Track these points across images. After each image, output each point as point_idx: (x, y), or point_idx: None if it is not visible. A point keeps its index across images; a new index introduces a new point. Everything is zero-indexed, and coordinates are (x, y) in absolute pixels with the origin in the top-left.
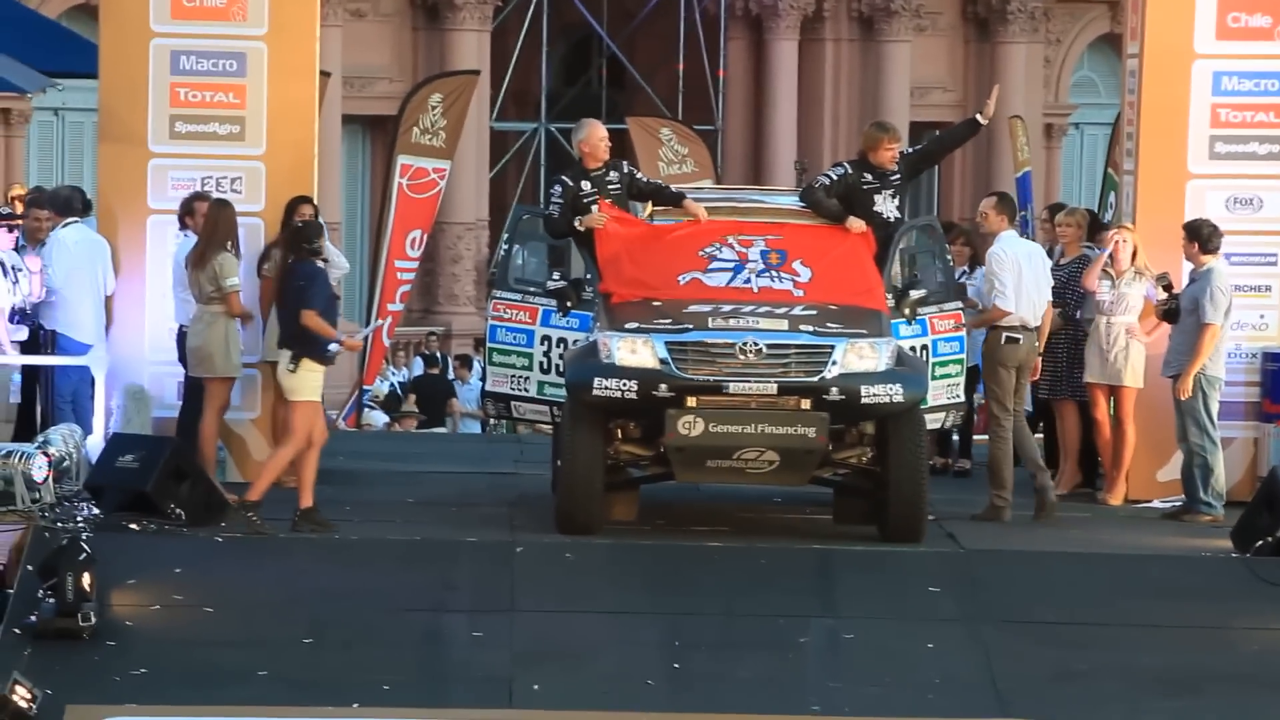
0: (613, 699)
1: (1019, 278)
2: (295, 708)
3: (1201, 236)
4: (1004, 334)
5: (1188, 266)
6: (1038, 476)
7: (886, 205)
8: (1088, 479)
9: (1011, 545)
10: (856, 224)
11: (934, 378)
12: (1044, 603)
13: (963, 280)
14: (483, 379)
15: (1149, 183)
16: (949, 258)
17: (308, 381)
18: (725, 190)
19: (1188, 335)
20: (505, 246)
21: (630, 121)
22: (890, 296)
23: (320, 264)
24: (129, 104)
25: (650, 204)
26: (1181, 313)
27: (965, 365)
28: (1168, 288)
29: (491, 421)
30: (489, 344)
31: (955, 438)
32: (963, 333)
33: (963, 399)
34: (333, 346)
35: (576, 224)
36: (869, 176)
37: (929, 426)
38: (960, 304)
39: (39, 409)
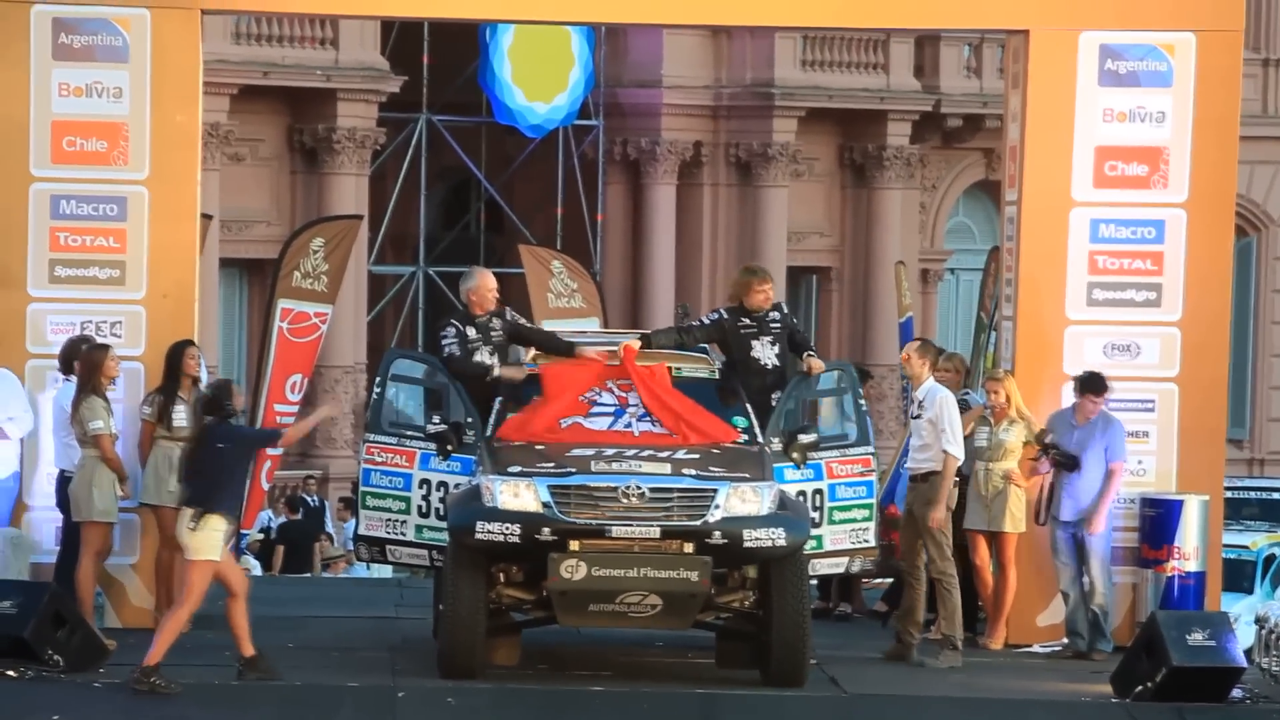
0: None
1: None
2: None
3: (1095, 386)
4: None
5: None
6: (909, 629)
7: (765, 352)
8: (968, 623)
9: (894, 690)
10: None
11: (833, 522)
12: None
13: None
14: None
15: (1028, 328)
16: (862, 403)
17: (210, 540)
18: (607, 333)
19: (1091, 480)
20: (379, 390)
21: (523, 250)
22: (778, 441)
23: (234, 423)
24: (8, 247)
25: (532, 350)
26: (1085, 456)
27: (875, 509)
28: (1049, 445)
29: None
30: (363, 487)
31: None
32: (872, 477)
33: (871, 543)
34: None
35: (497, 373)
36: (746, 320)
37: (831, 571)
38: (871, 449)
39: None
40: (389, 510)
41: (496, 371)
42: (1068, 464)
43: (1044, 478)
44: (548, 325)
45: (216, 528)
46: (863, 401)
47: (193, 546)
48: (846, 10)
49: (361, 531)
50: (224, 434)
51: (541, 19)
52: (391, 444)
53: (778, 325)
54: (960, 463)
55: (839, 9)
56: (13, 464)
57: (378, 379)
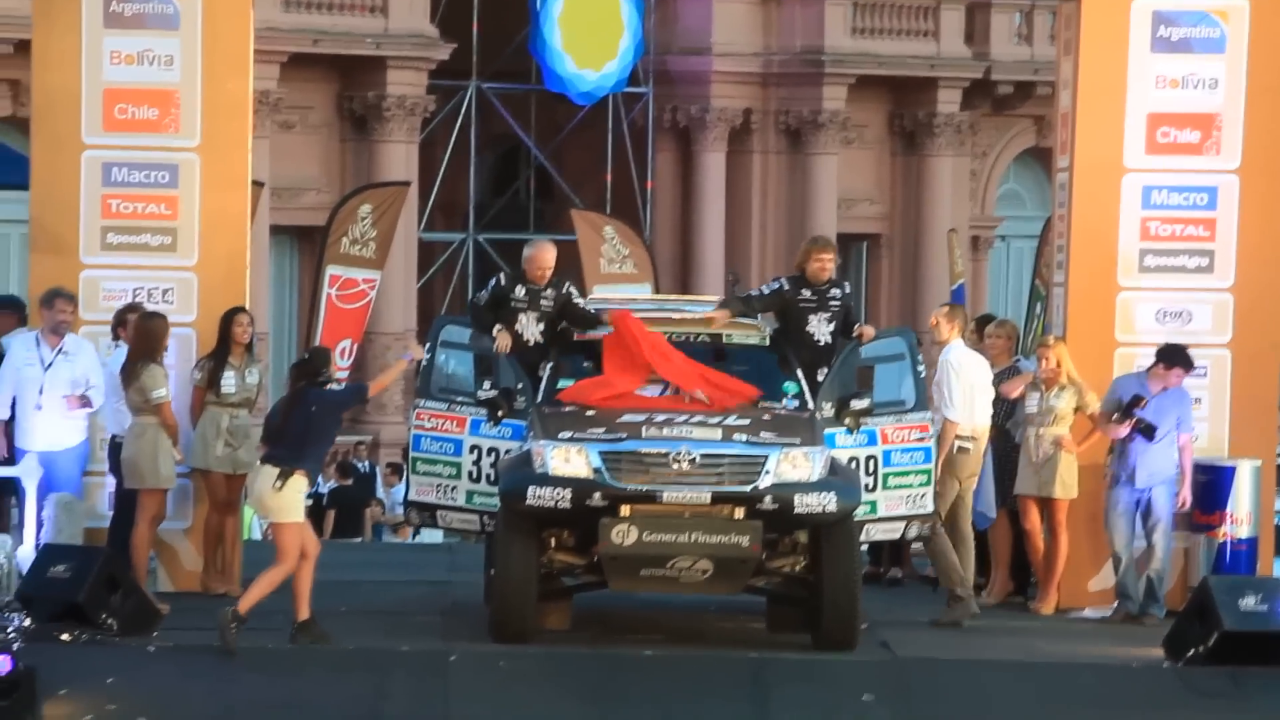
0: None
1: (971, 388)
2: None
3: (1183, 361)
4: (956, 444)
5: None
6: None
7: (820, 328)
8: (1019, 588)
9: (945, 654)
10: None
11: (888, 487)
12: (977, 711)
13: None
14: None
15: (1079, 295)
16: (920, 369)
17: (294, 500)
18: (658, 300)
19: (1165, 448)
20: (428, 355)
21: (575, 215)
22: (830, 406)
23: (331, 389)
24: (60, 215)
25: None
26: (1156, 428)
27: (933, 474)
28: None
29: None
30: (413, 453)
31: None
32: (930, 443)
33: (930, 509)
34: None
35: (494, 333)
36: (806, 293)
37: (887, 536)
38: (929, 415)
39: None
40: (439, 475)
41: (494, 332)
42: (1147, 432)
43: (1116, 441)
44: (600, 290)
45: (299, 488)
46: (921, 368)
47: (276, 508)
48: None
49: (412, 497)
50: (316, 398)
51: None
52: (442, 409)
53: (837, 303)
54: (958, 426)
55: None
56: (84, 431)
57: (427, 344)
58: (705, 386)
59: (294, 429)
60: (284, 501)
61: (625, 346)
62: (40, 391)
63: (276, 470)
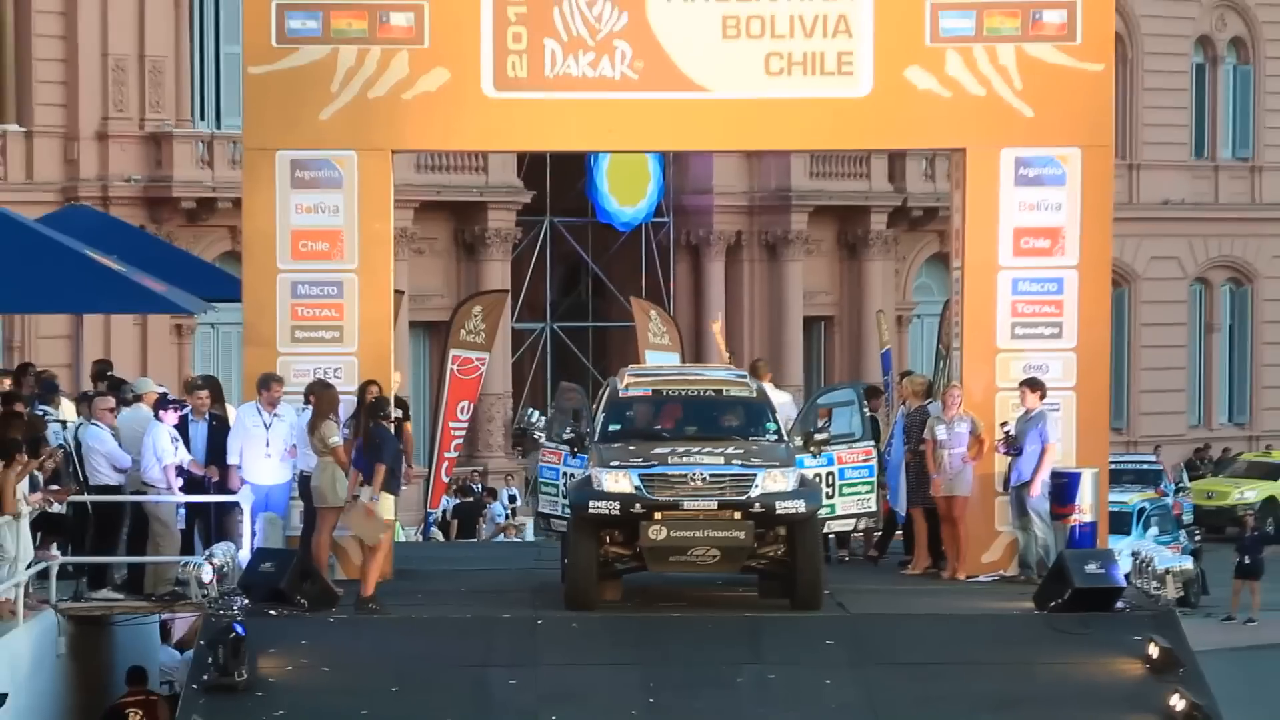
0: None
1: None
2: None
3: (1038, 386)
4: None
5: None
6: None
7: None
8: (934, 562)
9: (885, 609)
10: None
11: (843, 494)
12: (908, 649)
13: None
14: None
15: (971, 355)
16: (865, 411)
17: (386, 507)
18: (681, 366)
19: (1030, 456)
20: (553, 411)
21: (634, 301)
22: (799, 439)
23: (389, 426)
24: (264, 319)
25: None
26: (1025, 441)
27: (875, 485)
28: (1007, 434)
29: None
30: (539, 479)
31: (877, 534)
32: (872, 463)
33: (873, 508)
34: (363, 494)
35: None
36: None
37: (843, 528)
38: (872, 443)
39: (198, 533)
40: (552, 494)
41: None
42: (1013, 448)
43: (1003, 456)
44: (650, 356)
45: (387, 498)
46: (866, 410)
47: (378, 512)
48: (838, 136)
49: (540, 509)
50: (379, 434)
51: (628, 149)
52: (554, 448)
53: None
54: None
55: (833, 135)
56: (291, 472)
57: (551, 405)
58: None
59: (369, 457)
60: (379, 508)
61: None
62: (266, 445)
63: (369, 489)
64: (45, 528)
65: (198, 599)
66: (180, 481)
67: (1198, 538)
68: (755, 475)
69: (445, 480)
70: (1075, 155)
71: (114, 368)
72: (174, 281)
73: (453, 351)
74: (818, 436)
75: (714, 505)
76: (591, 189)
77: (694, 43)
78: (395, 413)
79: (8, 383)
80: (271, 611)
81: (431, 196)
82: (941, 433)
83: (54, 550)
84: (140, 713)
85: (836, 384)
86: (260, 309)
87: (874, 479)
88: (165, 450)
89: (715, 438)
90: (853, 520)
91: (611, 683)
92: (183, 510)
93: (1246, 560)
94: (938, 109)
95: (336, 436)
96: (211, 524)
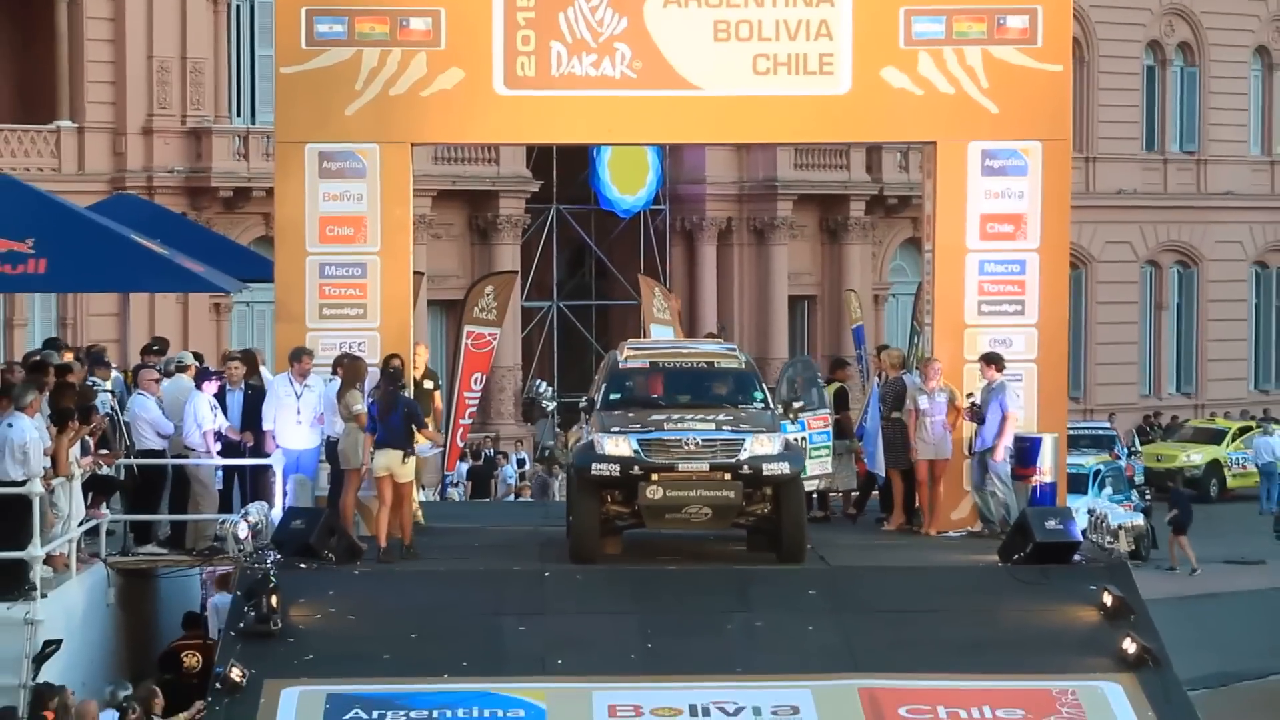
0: (610, 668)
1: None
2: (407, 679)
3: (997, 361)
4: None
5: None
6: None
7: None
8: (909, 519)
9: (863, 562)
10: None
11: (811, 458)
12: (883, 597)
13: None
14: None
15: (941, 330)
16: (820, 382)
17: (412, 466)
18: (676, 340)
19: (991, 424)
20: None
21: (641, 279)
22: (780, 407)
23: (404, 393)
24: (294, 297)
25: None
26: (986, 411)
27: (831, 450)
28: (973, 404)
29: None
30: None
31: (854, 494)
32: (829, 429)
33: (829, 470)
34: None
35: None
36: None
37: (810, 486)
38: (828, 410)
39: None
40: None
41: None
42: (976, 416)
43: (971, 425)
44: (654, 330)
45: (410, 459)
46: (820, 380)
47: (404, 472)
48: (820, 130)
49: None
50: (403, 400)
51: (627, 142)
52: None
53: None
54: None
55: (816, 129)
56: (319, 437)
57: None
58: None
59: (395, 421)
60: (408, 468)
61: None
62: (297, 413)
63: (400, 452)
64: (96, 488)
65: (234, 553)
66: (218, 446)
67: (1148, 497)
68: (744, 440)
69: (460, 445)
70: (1036, 148)
71: (168, 347)
72: (212, 263)
73: (467, 328)
74: (795, 405)
75: (706, 467)
76: (594, 179)
77: (688, 45)
78: (426, 384)
79: (69, 356)
80: (301, 565)
81: (448, 185)
82: (924, 402)
83: (104, 509)
84: (196, 655)
85: (794, 359)
86: (291, 288)
87: (830, 444)
88: (205, 417)
89: (707, 405)
90: (818, 480)
91: (613, 629)
92: (220, 472)
93: (1177, 513)
94: (911, 106)
95: (361, 405)
96: (247, 485)
